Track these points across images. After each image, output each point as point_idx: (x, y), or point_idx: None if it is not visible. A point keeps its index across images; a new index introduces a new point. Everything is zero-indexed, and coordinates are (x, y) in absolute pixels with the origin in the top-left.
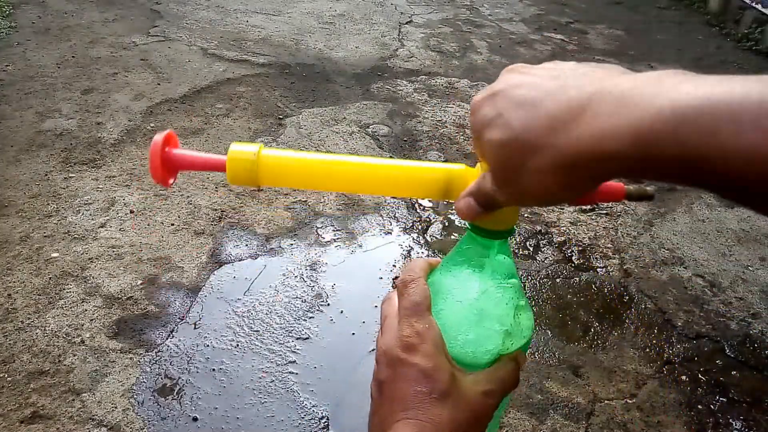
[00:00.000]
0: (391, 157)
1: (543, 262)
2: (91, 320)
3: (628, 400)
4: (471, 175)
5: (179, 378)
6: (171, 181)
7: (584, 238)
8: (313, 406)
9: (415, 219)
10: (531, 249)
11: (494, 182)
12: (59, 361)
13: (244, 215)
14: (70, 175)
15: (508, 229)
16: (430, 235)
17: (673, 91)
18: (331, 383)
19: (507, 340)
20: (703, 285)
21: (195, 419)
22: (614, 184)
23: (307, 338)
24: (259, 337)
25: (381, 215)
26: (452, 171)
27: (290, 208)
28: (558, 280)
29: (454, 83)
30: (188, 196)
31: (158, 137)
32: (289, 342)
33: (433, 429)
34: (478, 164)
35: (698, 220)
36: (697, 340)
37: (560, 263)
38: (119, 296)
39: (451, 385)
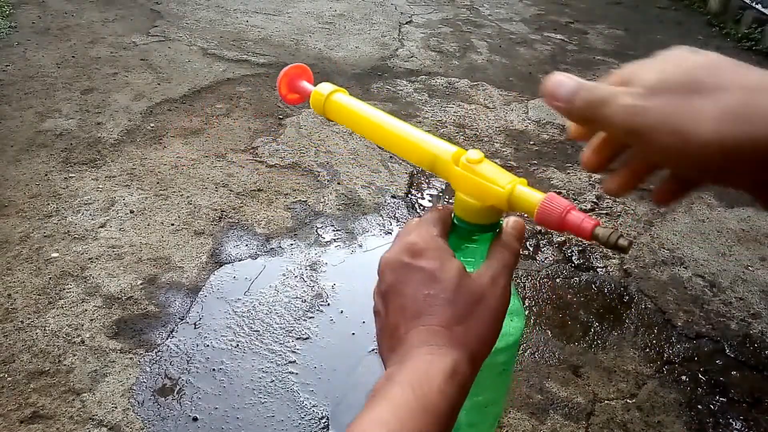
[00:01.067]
0: (391, 157)
1: (543, 262)
2: (91, 320)
3: (628, 400)
4: (455, 161)
5: (179, 378)
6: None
7: None
8: (313, 406)
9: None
10: (531, 249)
11: None
12: (59, 361)
13: (244, 215)
14: (70, 175)
15: (492, 223)
16: None
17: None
18: (331, 383)
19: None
20: (703, 285)
21: (195, 419)
22: (587, 221)
23: (307, 338)
24: (259, 337)
25: (381, 215)
26: (438, 156)
27: (290, 208)
28: (558, 280)
29: (454, 83)
30: (188, 196)
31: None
32: (289, 342)
33: (448, 334)
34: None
35: (698, 220)
36: (697, 340)
37: (560, 263)
38: (119, 296)
39: (459, 285)
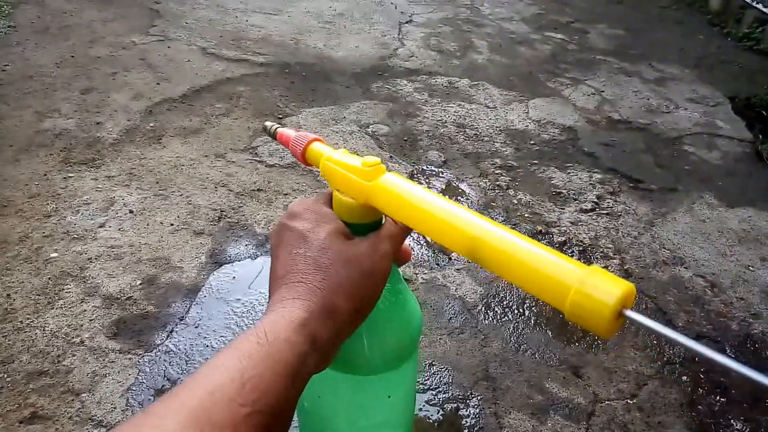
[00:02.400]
0: (391, 156)
1: None
2: (91, 320)
3: (628, 401)
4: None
5: (178, 378)
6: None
7: (585, 238)
8: None
9: None
10: None
11: None
12: (58, 361)
13: (243, 215)
14: (69, 174)
15: (367, 223)
16: None
17: None
18: None
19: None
20: (704, 285)
21: None
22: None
23: None
24: None
25: None
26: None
27: None
28: None
29: (455, 83)
30: (187, 196)
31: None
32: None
33: (304, 287)
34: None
35: (699, 220)
36: (698, 340)
37: None
38: (118, 296)
39: (328, 244)
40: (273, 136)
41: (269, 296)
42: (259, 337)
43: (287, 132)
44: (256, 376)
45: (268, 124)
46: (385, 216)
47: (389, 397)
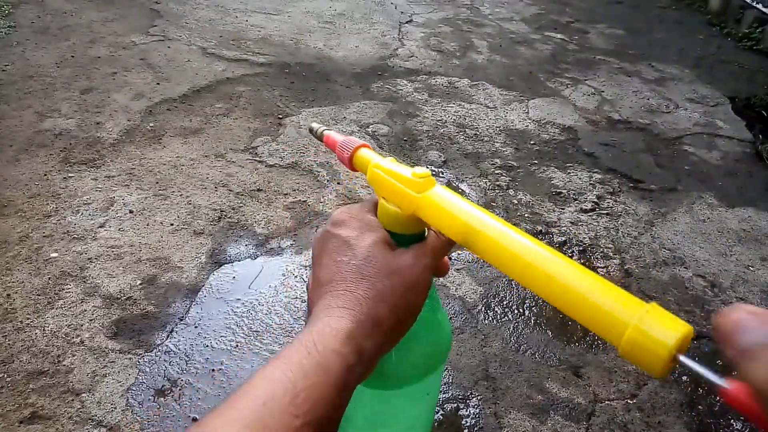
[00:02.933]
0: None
1: None
2: (91, 320)
3: (628, 401)
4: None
5: (178, 378)
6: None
7: (585, 238)
8: None
9: None
10: None
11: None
12: (58, 361)
13: (243, 215)
14: (70, 174)
15: (412, 234)
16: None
17: None
18: None
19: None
20: (704, 285)
21: (194, 419)
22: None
23: None
24: (258, 338)
25: None
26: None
27: (290, 208)
28: None
29: (455, 83)
30: (188, 196)
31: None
32: (288, 342)
33: (350, 297)
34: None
35: (699, 220)
36: (698, 340)
37: None
38: (118, 296)
39: (373, 253)
40: (320, 138)
41: (310, 302)
42: (309, 348)
43: (334, 135)
44: (308, 387)
45: (315, 125)
46: (428, 228)
47: (410, 407)
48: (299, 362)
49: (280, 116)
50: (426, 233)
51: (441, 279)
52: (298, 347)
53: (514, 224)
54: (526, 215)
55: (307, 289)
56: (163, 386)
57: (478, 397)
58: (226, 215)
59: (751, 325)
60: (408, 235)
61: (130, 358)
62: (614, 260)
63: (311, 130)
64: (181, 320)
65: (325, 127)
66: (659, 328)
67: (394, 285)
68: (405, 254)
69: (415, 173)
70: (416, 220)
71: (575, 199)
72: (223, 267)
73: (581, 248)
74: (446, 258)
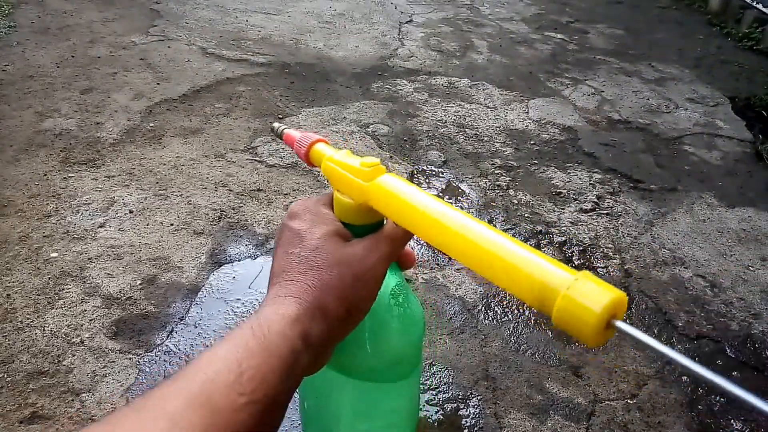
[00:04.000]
0: (391, 156)
1: None
2: (91, 320)
3: (628, 401)
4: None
5: None
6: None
7: (585, 238)
8: None
9: None
10: None
11: None
12: (58, 361)
13: (243, 215)
14: (70, 174)
15: (368, 224)
16: None
17: None
18: None
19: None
20: (704, 285)
21: None
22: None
23: None
24: None
25: None
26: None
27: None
28: None
29: (455, 83)
30: (187, 196)
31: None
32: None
33: (297, 285)
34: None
35: (699, 220)
36: (698, 340)
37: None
38: (118, 296)
39: (322, 244)
40: (279, 136)
41: (268, 287)
42: (255, 331)
43: (292, 133)
44: (253, 367)
45: (276, 125)
46: (387, 218)
47: (393, 404)
48: (245, 343)
49: (280, 116)
50: (385, 223)
51: (441, 279)
52: (245, 330)
53: (514, 224)
54: (526, 215)
55: None
56: None
57: (478, 397)
58: (226, 215)
59: None
60: (363, 225)
61: (130, 358)
62: (614, 260)
63: (272, 130)
64: (181, 320)
65: (285, 126)
66: (588, 296)
67: (342, 275)
68: (356, 245)
69: (363, 162)
70: (370, 210)
71: (575, 199)
72: (223, 267)
73: (581, 248)
74: (409, 249)
